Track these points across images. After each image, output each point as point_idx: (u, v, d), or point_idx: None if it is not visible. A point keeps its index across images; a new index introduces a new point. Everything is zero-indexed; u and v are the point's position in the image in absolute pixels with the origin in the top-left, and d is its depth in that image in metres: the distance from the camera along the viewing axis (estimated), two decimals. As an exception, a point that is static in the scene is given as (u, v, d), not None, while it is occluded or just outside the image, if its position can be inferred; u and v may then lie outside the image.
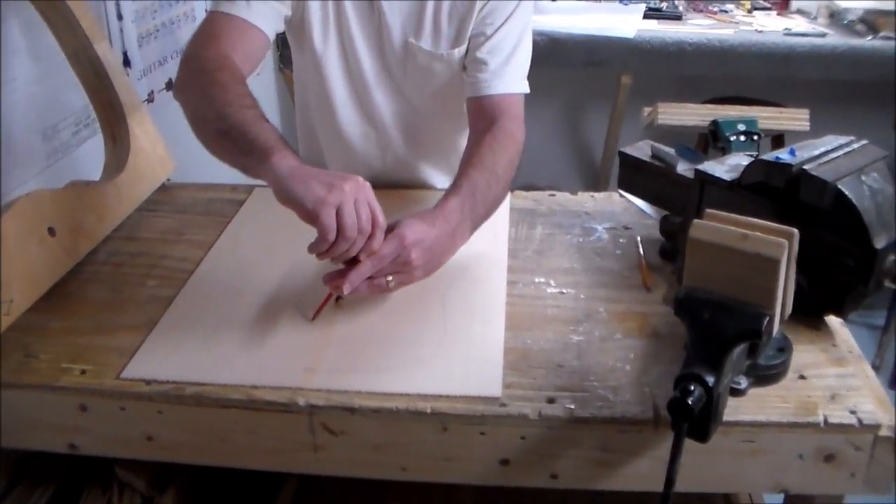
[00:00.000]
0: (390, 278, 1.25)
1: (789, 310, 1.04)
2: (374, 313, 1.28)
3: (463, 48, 1.60)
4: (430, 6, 1.57)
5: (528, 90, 1.61)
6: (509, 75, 1.57)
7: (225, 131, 1.24)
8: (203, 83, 1.32)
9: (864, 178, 1.18)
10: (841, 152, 1.23)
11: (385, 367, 1.16)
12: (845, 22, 3.40)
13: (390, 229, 1.23)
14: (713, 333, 0.97)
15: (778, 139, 2.91)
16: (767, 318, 0.96)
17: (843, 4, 3.45)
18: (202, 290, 1.36)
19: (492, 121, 1.52)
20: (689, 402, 0.93)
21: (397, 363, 1.17)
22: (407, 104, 1.69)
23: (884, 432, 1.07)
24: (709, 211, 1.01)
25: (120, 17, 2.02)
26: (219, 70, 1.34)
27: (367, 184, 1.21)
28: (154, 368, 1.17)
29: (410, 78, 1.65)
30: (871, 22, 3.32)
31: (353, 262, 1.20)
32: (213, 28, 1.45)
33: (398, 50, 1.61)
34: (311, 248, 1.18)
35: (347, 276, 1.19)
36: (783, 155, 1.22)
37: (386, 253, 1.22)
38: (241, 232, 1.55)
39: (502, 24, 1.57)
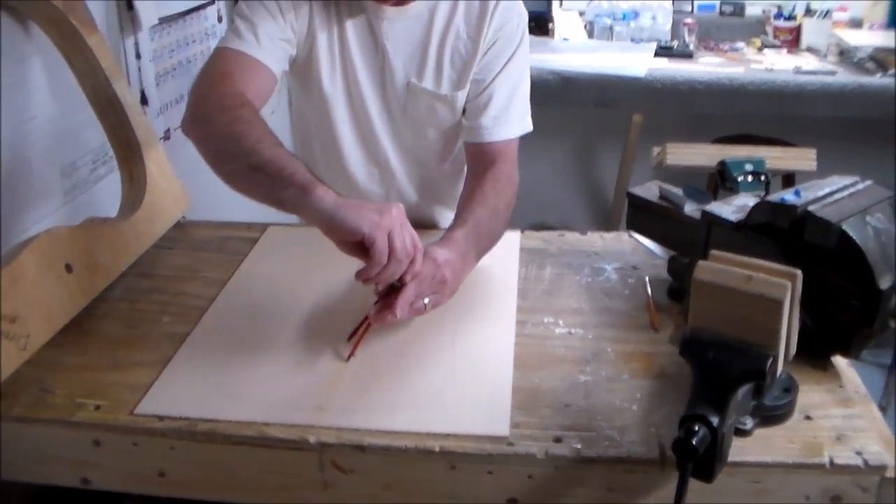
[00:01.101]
0: (427, 300, 1.31)
1: (793, 350, 1.05)
2: (383, 353, 1.30)
3: (465, 91, 1.63)
4: (433, 47, 1.60)
5: (529, 128, 1.65)
6: (509, 122, 1.62)
7: (258, 167, 1.25)
8: (227, 120, 1.32)
9: (868, 218, 1.19)
10: (845, 193, 1.24)
11: (394, 405, 1.18)
12: (855, 60, 3.43)
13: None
14: (717, 374, 0.98)
15: (788, 178, 2.93)
16: (771, 359, 0.97)
17: (854, 42, 3.48)
18: (216, 327, 1.38)
19: (490, 164, 1.59)
20: (694, 443, 0.94)
21: (407, 402, 1.18)
22: (410, 145, 1.72)
23: (889, 473, 1.07)
24: (713, 252, 1.03)
25: (138, 56, 2.05)
26: (240, 107, 1.35)
27: (404, 209, 1.25)
28: (167, 405, 1.18)
29: (412, 118, 1.67)
30: (880, 60, 3.34)
31: (390, 290, 1.28)
32: (225, 65, 1.46)
33: (400, 91, 1.63)
34: (362, 274, 1.22)
35: (395, 305, 1.25)
36: (788, 196, 1.23)
37: (426, 274, 1.28)
38: (255, 270, 1.57)
39: (501, 69, 1.61)
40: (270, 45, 1.49)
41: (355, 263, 1.24)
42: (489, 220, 1.48)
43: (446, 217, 1.80)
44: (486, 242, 1.47)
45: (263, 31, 1.48)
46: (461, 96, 1.64)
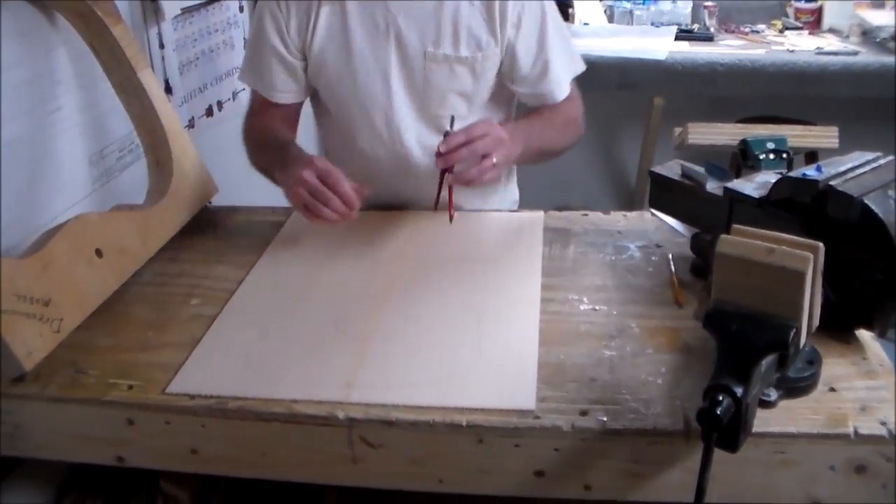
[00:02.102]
0: (494, 159, 1.47)
1: (816, 322, 1.06)
2: (410, 330, 1.32)
3: (490, 53, 1.67)
4: (447, 12, 1.64)
5: (583, 67, 1.80)
6: (565, 76, 1.76)
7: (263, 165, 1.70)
8: (250, 147, 1.79)
9: (890, 192, 1.19)
10: (867, 168, 1.25)
11: (421, 381, 1.19)
12: (878, 40, 3.40)
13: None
14: (741, 345, 0.99)
15: (811, 157, 2.91)
16: (794, 330, 0.98)
17: (876, 22, 3.45)
18: (244, 308, 1.41)
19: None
20: (718, 413, 0.95)
21: (433, 378, 1.20)
22: (433, 115, 1.73)
23: (915, 443, 1.08)
24: (736, 227, 1.04)
25: (162, 45, 2.07)
26: (258, 135, 1.78)
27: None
28: (198, 384, 1.20)
29: (434, 87, 1.70)
30: (902, 39, 3.32)
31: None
32: (253, 105, 1.84)
33: (419, 62, 1.67)
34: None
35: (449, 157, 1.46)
36: (810, 171, 1.24)
37: (478, 132, 1.47)
38: (282, 252, 1.59)
39: (541, 34, 1.68)
40: (287, 83, 1.76)
41: (378, 246, 1.50)
42: (541, 124, 1.71)
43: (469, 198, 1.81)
44: (535, 138, 1.66)
45: (275, 74, 1.75)
46: (482, 58, 1.67)
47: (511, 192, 2.00)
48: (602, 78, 3.26)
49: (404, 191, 1.79)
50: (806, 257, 0.96)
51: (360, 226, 1.66)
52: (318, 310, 1.38)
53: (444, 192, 1.54)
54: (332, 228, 1.53)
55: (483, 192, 1.82)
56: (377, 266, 1.50)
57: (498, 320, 1.33)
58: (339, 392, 1.17)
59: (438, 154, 1.47)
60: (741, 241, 1.00)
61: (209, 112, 2.36)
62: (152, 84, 1.65)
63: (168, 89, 2.11)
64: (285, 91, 1.77)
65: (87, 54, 1.63)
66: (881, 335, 1.27)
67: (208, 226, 1.71)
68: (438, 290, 1.42)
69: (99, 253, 1.42)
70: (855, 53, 3.28)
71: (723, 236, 1.02)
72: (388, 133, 1.74)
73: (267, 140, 1.73)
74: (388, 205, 1.77)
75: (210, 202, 1.78)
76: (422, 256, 1.55)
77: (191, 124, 2.24)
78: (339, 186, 1.45)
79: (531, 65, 1.71)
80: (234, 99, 2.49)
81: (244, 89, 2.53)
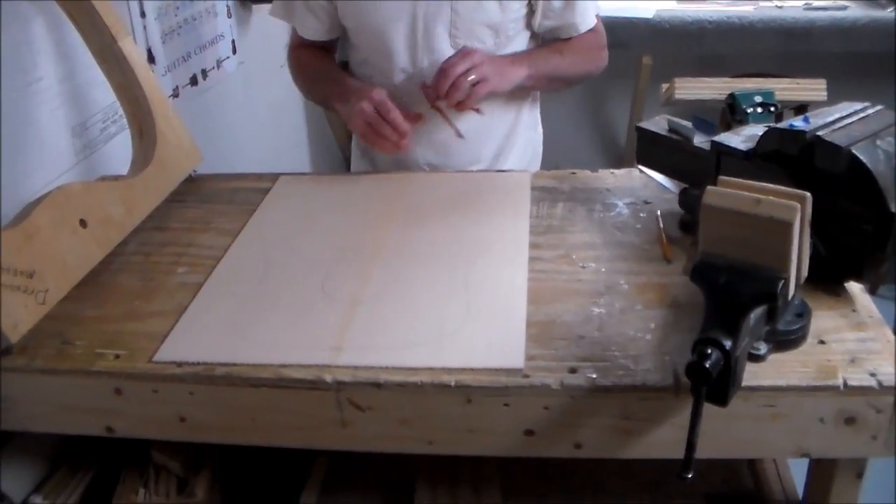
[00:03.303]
0: (472, 77, 1.61)
1: (805, 274, 1.06)
2: (397, 291, 1.31)
3: None
4: None
5: (593, 22, 1.85)
6: (591, 6, 1.82)
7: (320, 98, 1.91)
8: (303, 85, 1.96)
9: (878, 142, 1.18)
10: (855, 118, 1.24)
11: (409, 342, 1.19)
12: (866, -6, 3.39)
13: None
14: (729, 297, 0.99)
15: (801, 111, 2.91)
16: (782, 281, 0.98)
17: (864, -24, 3.44)
18: (230, 275, 1.40)
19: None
20: (707, 366, 0.95)
21: (421, 339, 1.19)
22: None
23: (904, 394, 1.07)
24: (722, 178, 1.03)
25: (143, 14, 2.05)
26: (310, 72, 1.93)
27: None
28: (185, 351, 1.20)
29: (463, 18, 1.72)
30: (892, -7, 3.30)
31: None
32: (293, 38, 1.96)
33: None
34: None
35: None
36: (797, 122, 1.23)
37: (453, 60, 1.62)
38: (267, 219, 1.58)
39: None
40: (312, 21, 1.85)
41: (365, 210, 1.51)
42: (548, 51, 1.81)
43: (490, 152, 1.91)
44: (542, 63, 1.77)
45: (303, 13, 1.85)
46: None
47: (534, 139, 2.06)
48: (590, 38, 3.23)
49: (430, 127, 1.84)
50: (793, 207, 0.96)
51: (347, 190, 1.67)
52: (304, 274, 1.37)
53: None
54: (319, 194, 1.59)
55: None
56: (364, 229, 1.50)
57: (486, 280, 1.32)
58: (327, 355, 1.16)
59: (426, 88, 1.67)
60: (728, 193, 1.00)
61: (193, 81, 2.33)
62: (133, 53, 1.63)
63: (151, 59, 2.09)
64: (313, 28, 1.87)
65: (67, 24, 1.61)
66: (872, 290, 1.27)
67: (194, 194, 1.70)
68: (426, 251, 1.42)
69: (83, 223, 1.41)
70: (844, 8, 3.26)
71: (709, 188, 1.01)
72: (415, 67, 1.78)
73: (320, 75, 1.88)
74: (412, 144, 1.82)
75: (195, 171, 1.76)
76: (408, 218, 1.54)
77: (175, 93, 2.22)
78: (390, 115, 1.61)
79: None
80: (218, 67, 2.47)
81: (228, 57, 2.51)
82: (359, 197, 1.64)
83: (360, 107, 1.62)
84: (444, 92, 1.62)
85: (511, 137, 1.92)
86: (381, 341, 1.19)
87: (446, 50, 1.74)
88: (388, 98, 1.62)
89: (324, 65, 1.89)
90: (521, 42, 1.83)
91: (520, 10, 1.77)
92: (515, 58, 1.75)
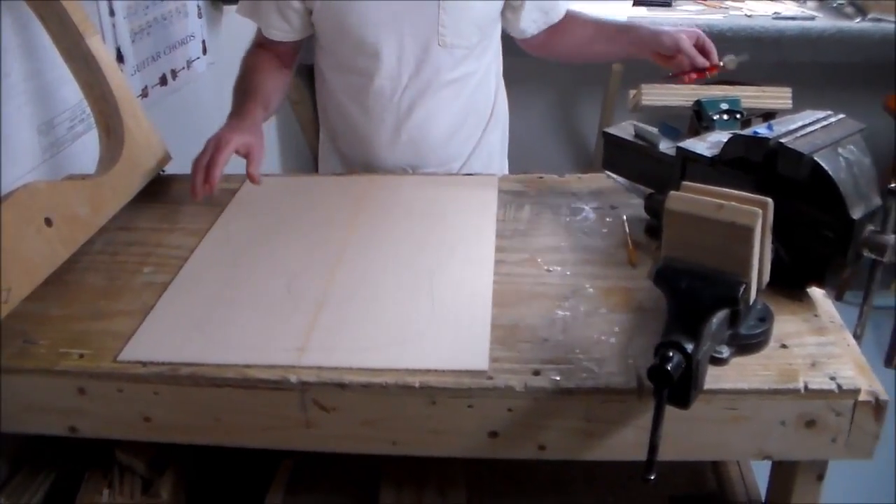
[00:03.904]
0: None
1: (766, 278, 1.07)
2: (361, 294, 1.31)
3: None
4: None
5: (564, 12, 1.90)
6: (552, 15, 1.87)
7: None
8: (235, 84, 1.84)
9: (840, 150, 1.20)
10: (818, 126, 1.25)
11: (374, 344, 1.19)
12: (834, 5, 3.43)
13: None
14: (691, 302, 1.00)
15: (768, 118, 2.93)
16: (744, 286, 0.99)
17: (832, -13, 3.47)
18: (196, 275, 1.39)
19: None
20: (669, 369, 0.96)
21: (386, 340, 1.20)
22: (448, 41, 1.77)
23: (863, 397, 1.09)
24: (685, 183, 1.04)
25: (112, 13, 2.03)
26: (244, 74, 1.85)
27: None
28: (150, 351, 1.19)
29: (447, 13, 1.73)
30: (859, 5, 3.34)
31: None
32: (256, 37, 1.90)
33: None
34: None
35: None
36: (761, 129, 1.25)
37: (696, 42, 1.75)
38: (235, 219, 1.58)
39: None
40: (278, 21, 1.81)
41: (332, 211, 1.53)
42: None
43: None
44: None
45: (271, 12, 1.80)
46: None
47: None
48: (561, 44, 3.24)
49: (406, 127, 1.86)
50: (755, 212, 0.97)
51: (314, 191, 1.67)
52: (270, 275, 1.37)
53: None
54: (286, 195, 1.61)
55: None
56: (330, 230, 1.50)
57: (451, 282, 1.33)
58: (291, 356, 1.16)
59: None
60: (690, 198, 1.01)
61: (163, 81, 2.32)
62: (101, 51, 1.62)
63: (120, 58, 2.08)
64: (279, 29, 1.82)
65: (34, 22, 1.60)
66: (838, 296, 1.28)
67: (161, 194, 1.69)
68: (391, 253, 1.42)
69: (48, 222, 1.40)
70: (812, 18, 3.30)
71: (672, 193, 1.02)
72: (400, 67, 1.78)
73: (243, 86, 1.80)
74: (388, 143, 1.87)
75: (163, 170, 1.76)
76: (375, 219, 1.54)
77: (144, 93, 2.21)
78: (212, 171, 1.52)
79: None
80: (188, 68, 2.46)
81: (198, 58, 2.50)
82: (326, 198, 1.64)
83: (211, 141, 1.57)
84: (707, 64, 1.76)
85: (484, 136, 1.95)
86: (345, 342, 1.20)
87: (434, 48, 1.75)
88: (221, 158, 1.53)
89: (255, 80, 1.81)
90: (496, 38, 1.88)
91: (499, 7, 1.80)
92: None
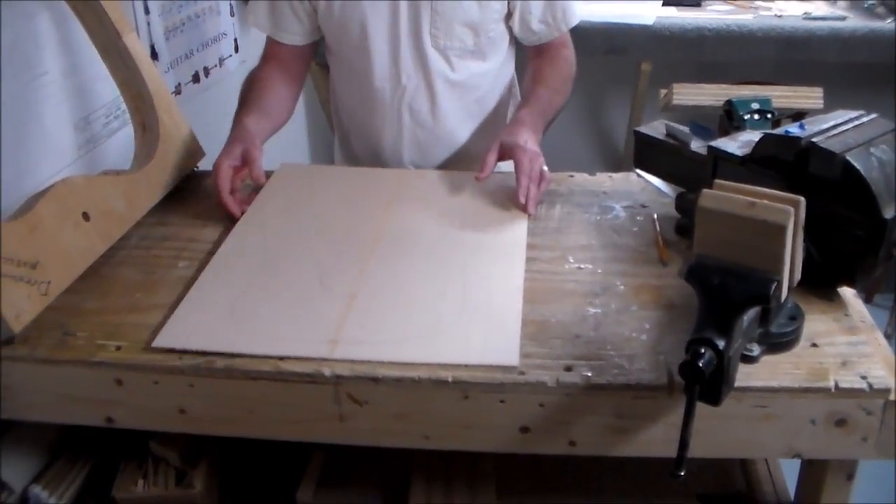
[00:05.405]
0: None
1: (798, 276, 1.07)
2: (394, 287, 1.32)
3: None
4: None
5: (577, 19, 1.88)
6: (557, 20, 1.82)
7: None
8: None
9: (872, 149, 1.20)
10: (850, 125, 1.25)
11: (406, 337, 1.20)
12: (865, 5, 3.39)
13: (503, 150, 1.58)
14: (723, 299, 1.00)
15: (798, 118, 2.92)
16: (775, 284, 0.99)
17: (864, -13, 3.45)
18: (228, 264, 1.40)
19: (547, 51, 1.85)
20: (700, 365, 0.96)
21: (418, 334, 1.20)
22: (441, 46, 1.78)
23: (894, 397, 1.09)
24: (718, 181, 1.05)
25: (147, 11, 2.06)
26: (247, 86, 1.85)
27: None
28: (184, 338, 1.20)
29: (441, 17, 1.73)
30: (891, 5, 3.31)
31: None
32: (265, 50, 1.90)
33: None
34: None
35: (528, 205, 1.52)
36: (793, 129, 1.25)
37: (534, 174, 1.54)
38: (266, 207, 1.58)
39: None
40: (289, 23, 1.82)
41: (363, 202, 1.57)
42: (549, 95, 1.77)
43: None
44: (549, 114, 1.75)
45: (281, 14, 1.81)
46: None
47: None
48: (589, 43, 3.23)
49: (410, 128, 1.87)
50: (786, 210, 0.97)
51: (344, 183, 1.68)
52: (302, 266, 1.38)
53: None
54: (318, 182, 1.66)
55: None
56: (362, 222, 1.50)
57: (483, 278, 1.33)
58: (324, 349, 1.17)
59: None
60: (722, 196, 1.01)
61: (196, 78, 2.35)
62: (137, 48, 1.64)
63: (154, 55, 2.10)
64: (290, 32, 1.83)
65: (72, 19, 1.62)
66: (867, 298, 1.28)
67: (195, 190, 1.70)
68: (424, 248, 1.42)
69: (86, 216, 1.42)
70: (843, 18, 3.27)
71: (704, 190, 1.02)
72: (395, 67, 1.79)
73: (245, 100, 1.81)
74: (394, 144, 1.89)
75: (197, 167, 1.77)
76: (407, 214, 1.54)
77: (177, 91, 2.23)
78: (218, 196, 1.56)
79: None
80: (220, 65, 2.48)
81: (230, 56, 2.52)
82: (356, 189, 1.64)
83: (216, 163, 1.58)
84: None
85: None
86: (378, 335, 1.20)
87: (428, 50, 1.77)
88: (222, 185, 1.55)
89: (254, 92, 1.81)
90: (503, 43, 1.85)
91: (500, 10, 1.78)
92: (533, 120, 1.69)
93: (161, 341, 1.21)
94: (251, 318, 1.25)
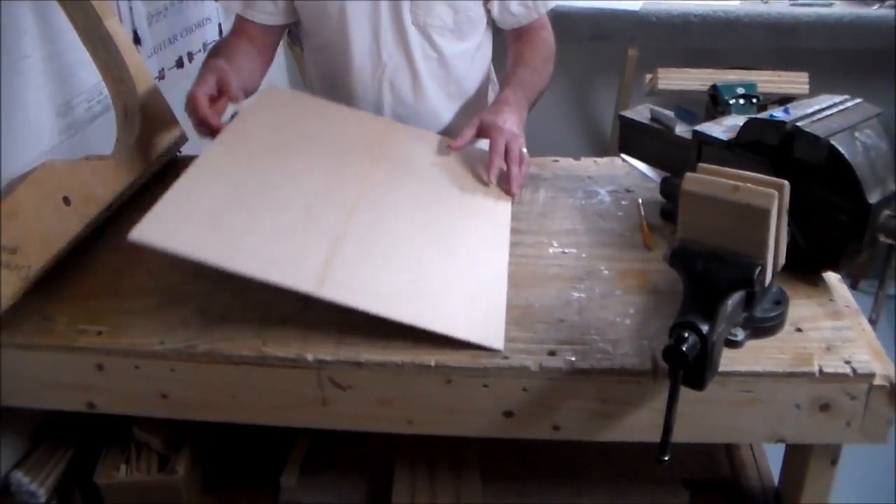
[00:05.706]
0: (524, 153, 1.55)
1: (782, 261, 1.07)
2: (382, 237, 1.29)
3: None
4: None
5: (556, 1, 1.85)
6: (541, 1, 1.80)
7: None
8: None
9: (857, 134, 1.20)
10: (835, 110, 1.25)
11: (393, 293, 1.18)
12: (852, -9, 3.40)
13: (482, 128, 1.55)
14: (707, 283, 1.00)
15: (784, 103, 2.91)
16: (759, 268, 0.99)
17: (850, -27, 3.45)
18: (210, 170, 1.34)
19: (526, 33, 1.82)
20: (684, 349, 0.96)
21: (404, 293, 1.19)
22: (422, 24, 1.76)
23: (878, 381, 1.09)
24: (701, 165, 1.04)
25: (129, -5, 2.04)
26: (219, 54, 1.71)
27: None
28: (165, 234, 1.16)
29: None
30: (877, -9, 3.32)
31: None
32: (235, 25, 1.83)
33: None
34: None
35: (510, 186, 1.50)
36: (777, 113, 1.24)
37: (509, 155, 1.51)
38: (249, 125, 1.49)
39: None
40: (265, 2, 1.76)
41: (353, 143, 1.53)
42: (530, 76, 1.75)
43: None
44: (532, 95, 1.73)
45: None
46: None
47: None
48: (576, 29, 3.24)
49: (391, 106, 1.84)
50: (770, 194, 0.97)
51: (335, 118, 1.63)
52: (287, 191, 1.32)
53: None
54: (302, 108, 1.63)
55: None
56: (350, 165, 1.45)
57: (468, 261, 1.32)
58: (310, 283, 1.14)
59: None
60: (706, 179, 1.01)
61: (179, 63, 2.33)
62: (119, 32, 1.63)
63: (136, 40, 2.08)
64: (263, 11, 1.77)
65: (53, 4, 1.60)
66: (853, 285, 1.28)
67: (178, 175, 1.67)
68: (411, 205, 1.39)
69: (66, 201, 1.40)
70: (829, 4, 3.27)
71: (688, 174, 1.02)
72: (376, 46, 1.76)
73: (214, 52, 1.75)
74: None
75: (180, 152, 1.76)
76: (397, 164, 1.51)
77: (161, 76, 2.21)
78: (198, 116, 1.46)
79: None
80: (204, 51, 2.46)
81: (214, 41, 2.50)
82: (347, 127, 1.59)
83: (190, 92, 1.49)
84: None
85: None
86: (365, 284, 1.18)
87: (408, 26, 1.75)
88: (199, 99, 1.46)
89: (223, 55, 1.69)
90: (480, 25, 1.84)
91: None
92: (517, 100, 1.65)
93: (138, 234, 1.15)
94: (235, 232, 1.20)
